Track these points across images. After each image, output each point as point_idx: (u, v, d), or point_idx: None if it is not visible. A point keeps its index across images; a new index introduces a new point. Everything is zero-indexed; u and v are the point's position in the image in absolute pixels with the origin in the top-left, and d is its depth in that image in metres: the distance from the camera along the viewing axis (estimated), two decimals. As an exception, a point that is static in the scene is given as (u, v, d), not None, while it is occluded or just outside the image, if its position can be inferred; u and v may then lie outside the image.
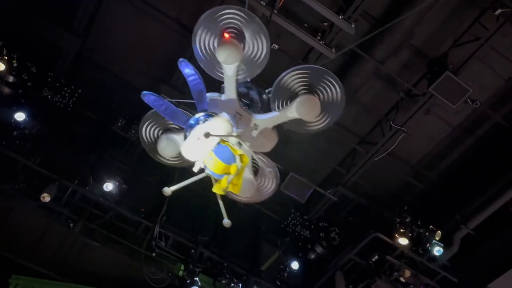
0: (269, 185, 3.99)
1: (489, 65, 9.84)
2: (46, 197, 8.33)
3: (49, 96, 9.63)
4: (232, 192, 3.53)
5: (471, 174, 10.70)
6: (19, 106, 9.20)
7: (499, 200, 9.60)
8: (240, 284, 8.98)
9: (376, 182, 11.60)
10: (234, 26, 3.39)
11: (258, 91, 3.90)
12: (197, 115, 3.35)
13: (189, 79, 3.45)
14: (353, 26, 8.60)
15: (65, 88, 9.87)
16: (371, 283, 8.89)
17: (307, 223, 11.49)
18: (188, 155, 3.23)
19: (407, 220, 9.38)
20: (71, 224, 8.89)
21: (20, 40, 9.36)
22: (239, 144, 3.42)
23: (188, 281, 8.93)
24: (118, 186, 9.14)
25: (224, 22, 3.39)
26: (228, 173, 3.21)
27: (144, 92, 3.47)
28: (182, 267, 9.39)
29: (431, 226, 9.20)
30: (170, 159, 3.86)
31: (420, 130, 10.86)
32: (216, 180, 3.35)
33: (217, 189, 3.34)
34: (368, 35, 9.33)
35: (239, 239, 10.97)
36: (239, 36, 3.41)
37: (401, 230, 9.18)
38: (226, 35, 3.39)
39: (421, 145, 11.20)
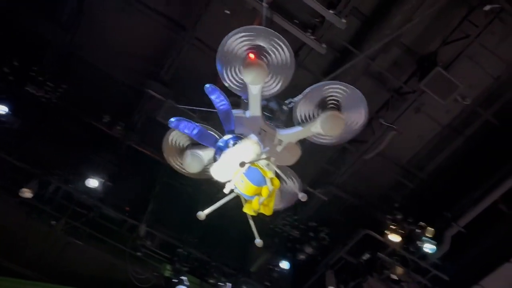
0: (292, 183, 3.98)
1: (478, 63, 9.86)
2: (26, 193, 8.02)
3: (33, 91, 9.33)
4: (263, 213, 3.47)
5: (461, 173, 10.66)
6: (0, 100, 8.90)
7: (488, 197, 9.57)
8: (229, 284, 8.71)
9: (366, 182, 11.50)
10: (255, 46, 3.46)
11: (278, 102, 3.93)
12: (225, 137, 3.40)
13: (217, 102, 3.45)
14: (343, 21, 8.55)
15: (50, 83, 9.59)
16: (362, 282, 8.72)
17: (296, 223, 11.32)
18: (219, 177, 3.29)
19: (398, 217, 9.26)
20: (53, 222, 8.57)
21: (3, 33, 9.11)
22: (268, 165, 3.41)
23: (175, 280, 8.64)
24: (102, 183, 8.87)
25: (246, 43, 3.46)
26: (259, 195, 3.24)
27: (172, 119, 3.53)
28: (169, 267, 9.09)
29: (422, 223, 9.08)
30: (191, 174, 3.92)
31: (410, 129, 10.81)
32: (246, 200, 3.42)
33: (248, 210, 3.42)
34: (358, 32, 9.36)
35: (227, 240, 10.73)
36: (262, 54, 3.46)
37: (393, 227, 9.05)
38: (252, 55, 3.43)
39: (411, 145, 11.15)
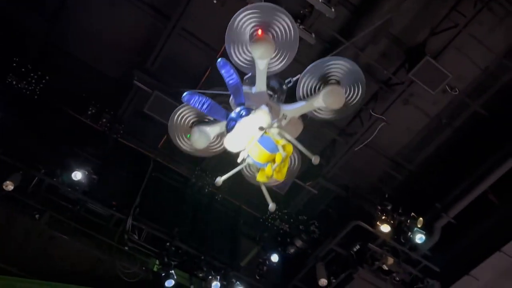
0: (294, 162, 4.28)
1: (466, 55, 9.88)
2: (9, 185, 7.77)
3: (14, 82, 9.06)
4: (276, 179, 3.69)
5: (449, 164, 10.68)
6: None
7: (477, 188, 9.59)
8: (218, 277, 8.56)
9: (356, 175, 11.45)
10: (260, 22, 3.67)
11: (279, 81, 4.15)
12: (237, 110, 3.55)
13: (226, 76, 3.60)
14: (332, 10, 8.48)
15: (32, 74, 9.33)
16: (353, 273, 8.65)
17: (286, 216, 11.22)
18: (232, 147, 3.49)
19: (388, 208, 9.22)
20: (37, 216, 8.32)
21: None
22: (279, 133, 3.62)
23: (163, 274, 8.47)
24: (87, 175, 8.64)
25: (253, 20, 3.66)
26: (272, 162, 3.46)
27: (184, 94, 3.69)
28: (157, 262, 8.91)
29: (412, 214, 9.06)
30: (195, 150, 4.12)
31: (399, 121, 10.79)
32: (258, 169, 3.64)
33: (261, 177, 3.61)
34: (347, 22, 9.28)
35: (217, 235, 10.60)
36: (268, 29, 3.69)
37: (383, 218, 9.01)
38: (259, 31, 3.64)
39: (400, 136, 11.13)
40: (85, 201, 8.76)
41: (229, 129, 3.50)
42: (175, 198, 10.47)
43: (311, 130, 10.75)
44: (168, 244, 9.08)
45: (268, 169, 3.48)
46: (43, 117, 9.57)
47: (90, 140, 9.78)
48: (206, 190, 10.84)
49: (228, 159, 12.35)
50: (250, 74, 4.03)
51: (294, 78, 4.03)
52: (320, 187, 11.18)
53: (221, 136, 4.03)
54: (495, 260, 9.16)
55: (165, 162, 10.76)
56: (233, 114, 3.53)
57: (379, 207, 9.36)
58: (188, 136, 4.04)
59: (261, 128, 3.37)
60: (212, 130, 3.91)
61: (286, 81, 4.16)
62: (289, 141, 3.60)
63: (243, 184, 11.07)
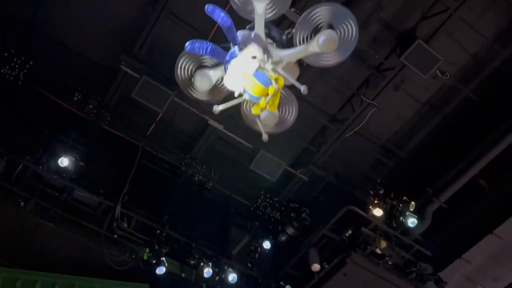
0: (290, 113, 4.50)
1: (456, 41, 9.88)
2: (-6, 171, 7.51)
3: (-3, 68, 8.77)
4: (269, 111, 4.06)
5: (440, 150, 10.70)
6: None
7: (468, 172, 9.61)
8: (210, 264, 8.42)
9: (347, 161, 11.41)
10: None
11: (279, 32, 4.42)
12: (231, 50, 3.88)
13: (218, 19, 3.82)
14: (324, -7, 8.36)
15: (15, 59, 9.04)
16: (346, 257, 8.58)
17: (277, 204, 11.13)
18: (232, 86, 3.82)
19: (381, 192, 9.18)
20: (22, 203, 8.06)
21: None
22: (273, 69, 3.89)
23: (154, 261, 8.29)
24: (74, 162, 8.40)
25: None
26: (266, 95, 3.78)
27: (186, 44, 3.96)
28: (147, 250, 8.73)
29: (404, 198, 9.03)
30: (203, 93, 4.37)
31: (390, 107, 10.76)
32: (253, 103, 3.93)
33: (255, 110, 3.94)
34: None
35: (207, 223, 10.44)
36: None
37: (375, 202, 8.97)
38: None
39: (390, 123, 11.11)
40: (72, 188, 8.52)
41: (226, 69, 3.83)
42: (164, 187, 10.28)
43: (302, 117, 10.64)
44: (158, 231, 8.90)
45: (262, 102, 3.79)
46: (27, 104, 9.29)
47: (77, 127, 9.50)
48: (196, 179, 10.67)
49: (217, 149, 12.15)
50: (252, 23, 4.22)
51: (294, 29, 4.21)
52: (311, 174, 11.11)
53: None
54: (487, 243, 9.21)
55: (153, 150, 10.57)
56: (227, 57, 3.84)
57: (371, 192, 9.30)
58: (193, 80, 4.26)
59: (253, 57, 3.72)
60: (214, 73, 4.18)
61: (286, 31, 4.39)
62: (281, 74, 3.88)
63: (234, 174, 11.13)
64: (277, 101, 3.95)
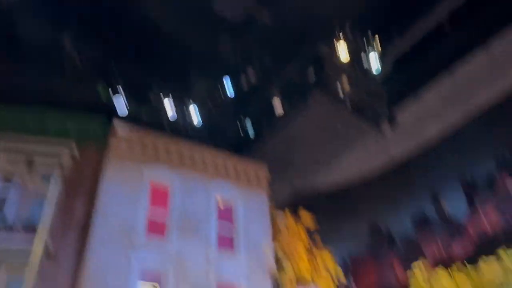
0: None
1: None
2: None
3: None
4: None
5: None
6: None
7: (433, 15, 9.31)
8: (171, 95, 8.16)
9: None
10: None
11: None
12: None
13: None
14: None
15: None
16: (308, 97, 8.59)
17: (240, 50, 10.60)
18: None
19: (346, 31, 8.85)
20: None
21: None
22: None
23: (114, 95, 7.96)
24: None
25: None
26: None
27: None
28: (104, 85, 8.32)
29: (369, 35, 8.76)
30: None
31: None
32: None
33: None
34: None
35: (167, 61, 9.90)
36: None
37: (340, 40, 8.69)
38: None
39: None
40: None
41: None
42: (121, 20, 9.41)
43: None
44: (114, 67, 8.39)
45: None
46: None
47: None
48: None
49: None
50: None
51: None
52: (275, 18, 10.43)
53: None
54: (441, 84, 9.34)
55: None
56: None
57: (337, 31, 8.96)
58: None
59: None
60: None
61: None
62: None
63: (195, 20, 10.19)
64: None
